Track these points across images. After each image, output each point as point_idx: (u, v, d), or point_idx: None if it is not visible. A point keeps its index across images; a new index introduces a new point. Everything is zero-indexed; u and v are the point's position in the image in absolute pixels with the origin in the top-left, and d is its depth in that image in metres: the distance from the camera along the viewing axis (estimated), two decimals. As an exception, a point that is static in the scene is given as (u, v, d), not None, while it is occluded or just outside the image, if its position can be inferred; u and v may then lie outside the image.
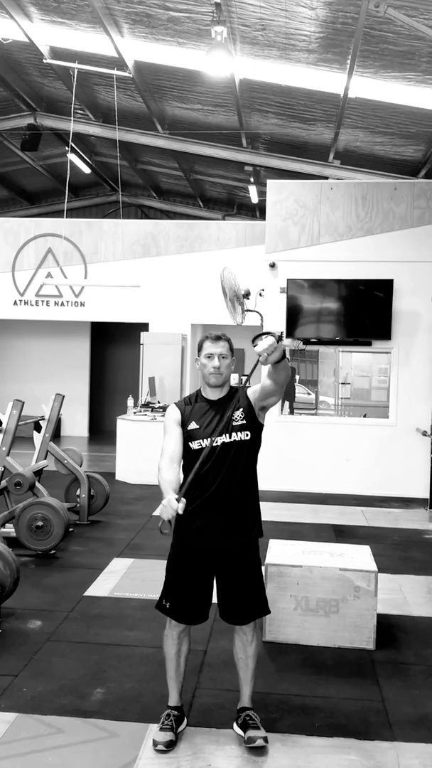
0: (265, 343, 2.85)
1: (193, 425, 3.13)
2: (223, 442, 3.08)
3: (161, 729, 3.15)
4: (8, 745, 3.10)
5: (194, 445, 3.10)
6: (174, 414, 3.19)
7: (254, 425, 3.15)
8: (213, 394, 3.20)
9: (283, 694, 3.63)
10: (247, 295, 7.42)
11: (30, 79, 10.42)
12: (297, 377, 13.32)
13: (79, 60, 8.88)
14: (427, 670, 3.98)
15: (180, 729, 3.20)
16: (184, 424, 3.15)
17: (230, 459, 3.09)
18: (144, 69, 8.98)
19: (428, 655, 4.19)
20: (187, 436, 3.12)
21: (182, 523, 3.15)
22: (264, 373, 3.26)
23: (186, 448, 3.11)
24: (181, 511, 2.82)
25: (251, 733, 3.10)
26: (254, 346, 2.88)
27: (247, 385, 3.23)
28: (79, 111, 10.95)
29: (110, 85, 9.53)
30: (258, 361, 2.90)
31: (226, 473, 3.08)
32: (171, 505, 2.82)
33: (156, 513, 2.89)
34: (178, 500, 2.84)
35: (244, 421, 3.12)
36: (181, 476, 3.06)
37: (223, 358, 3.15)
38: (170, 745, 3.09)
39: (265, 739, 3.08)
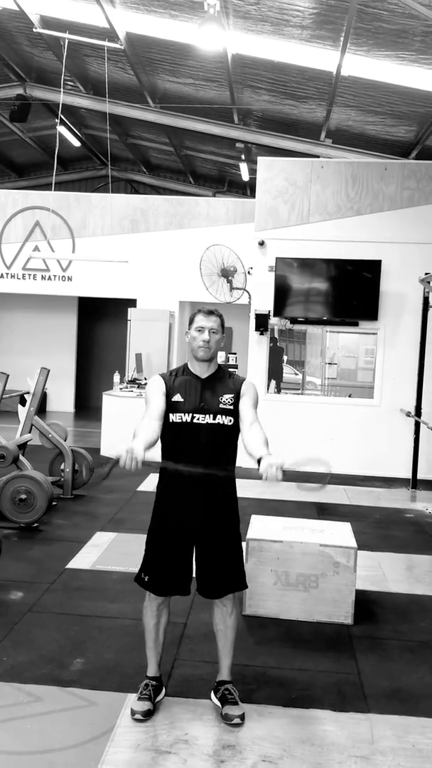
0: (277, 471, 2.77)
1: (177, 397, 3.11)
2: (208, 423, 3.08)
3: (139, 698, 3.19)
4: (-13, 712, 3.13)
5: (175, 417, 3.08)
6: (158, 383, 3.16)
7: (237, 414, 3.14)
8: (200, 370, 3.17)
9: (261, 666, 3.68)
10: (234, 272, 7.42)
11: (20, 48, 10.27)
12: (285, 357, 13.34)
13: (69, 30, 8.75)
14: (402, 645, 4.05)
15: (158, 699, 3.24)
16: (168, 395, 3.12)
17: (212, 440, 3.09)
18: (135, 41, 8.86)
19: (404, 631, 4.26)
20: (170, 408, 3.10)
21: (161, 500, 3.17)
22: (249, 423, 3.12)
23: (166, 420, 3.10)
24: (140, 463, 2.73)
25: (229, 709, 3.14)
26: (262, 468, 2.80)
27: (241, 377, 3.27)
28: (69, 82, 10.82)
29: (101, 57, 9.40)
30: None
31: (207, 453, 3.07)
32: (136, 455, 2.73)
33: (114, 455, 2.75)
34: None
35: (231, 407, 3.12)
36: (156, 438, 3.01)
37: (213, 332, 3.14)
38: (148, 715, 3.13)
39: (242, 717, 3.12)
